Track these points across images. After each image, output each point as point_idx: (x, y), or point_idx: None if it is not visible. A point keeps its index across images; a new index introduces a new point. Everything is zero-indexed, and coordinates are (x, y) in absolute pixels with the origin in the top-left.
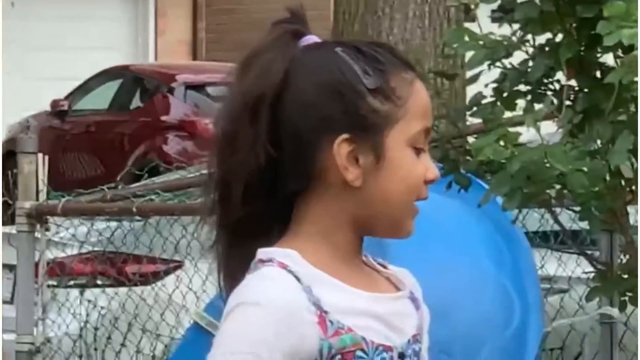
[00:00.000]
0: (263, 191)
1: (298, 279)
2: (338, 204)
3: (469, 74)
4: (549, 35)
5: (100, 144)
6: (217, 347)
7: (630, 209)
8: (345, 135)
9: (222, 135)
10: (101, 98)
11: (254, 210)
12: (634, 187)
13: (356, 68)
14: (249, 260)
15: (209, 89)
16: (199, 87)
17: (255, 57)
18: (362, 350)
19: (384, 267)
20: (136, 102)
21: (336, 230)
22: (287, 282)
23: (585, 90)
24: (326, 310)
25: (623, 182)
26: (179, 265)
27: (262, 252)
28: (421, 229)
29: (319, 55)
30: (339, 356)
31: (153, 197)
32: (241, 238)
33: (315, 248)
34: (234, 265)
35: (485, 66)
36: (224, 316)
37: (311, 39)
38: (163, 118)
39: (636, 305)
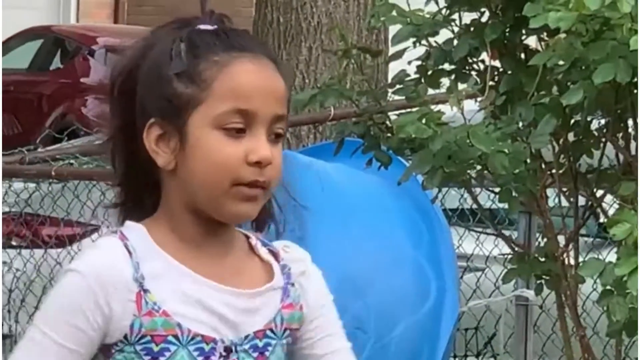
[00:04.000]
0: (137, 164)
1: (130, 254)
2: (169, 187)
3: (393, 50)
4: (475, 15)
5: (18, 103)
6: (37, 315)
7: (549, 191)
8: (152, 120)
9: None
10: (21, 58)
11: (132, 180)
12: (554, 171)
13: (172, 52)
14: None
15: None
16: (119, 51)
17: (155, 31)
18: (175, 336)
19: (274, 253)
20: (56, 63)
21: (176, 212)
22: (115, 254)
23: (509, 72)
24: (146, 289)
25: (543, 165)
26: (96, 229)
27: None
28: (340, 205)
29: (166, 36)
30: (148, 337)
31: (72, 161)
32: (124, 204)
33: (164, 229)
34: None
35: (409, 43)
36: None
37: (205, 26)
38: (83, 80)
39: (551, 289)
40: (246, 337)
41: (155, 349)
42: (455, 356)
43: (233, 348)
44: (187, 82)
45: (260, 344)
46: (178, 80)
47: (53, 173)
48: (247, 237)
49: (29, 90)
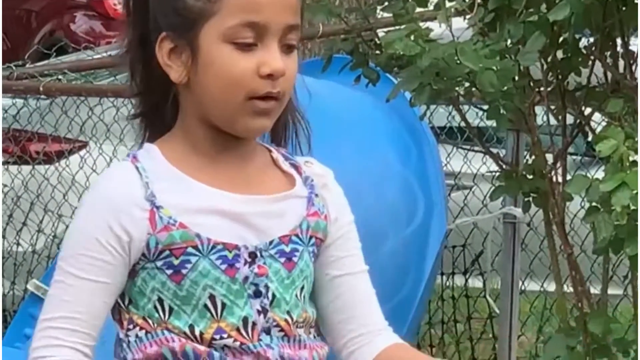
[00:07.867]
0: (154, 77)
1: (141, 175)
2: (184, 101)
3: None
4: None
5: (7, 20)
6: (59, 255)
7: (537, 109)
8: (164, 34)
9: None
10: None
11: (151, 93)
12: (542, 89)
13: None
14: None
15: None
16: None
17: None
18: (195, 247)
19: (296, 166)
20: None
21: (191, 126)
22: (123, 177)
23: None
24: (159, 205)
25: (532, 83)
26: (84, 145)
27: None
28: (328, 122)
29: None
30: (167, 251)
31: (60, 77)
32: (143, 115)
33: (176, 144)
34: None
35: None
36: None
37: None
38: None
39: (539, 206)
40: (271, 242)
41: (176, 262)
42: (442, 274)
43: (258, 253)
44: None
45: (287, 249)
46: None
47: (41, 89)
48: (270, 151)
49: (17, 7)
